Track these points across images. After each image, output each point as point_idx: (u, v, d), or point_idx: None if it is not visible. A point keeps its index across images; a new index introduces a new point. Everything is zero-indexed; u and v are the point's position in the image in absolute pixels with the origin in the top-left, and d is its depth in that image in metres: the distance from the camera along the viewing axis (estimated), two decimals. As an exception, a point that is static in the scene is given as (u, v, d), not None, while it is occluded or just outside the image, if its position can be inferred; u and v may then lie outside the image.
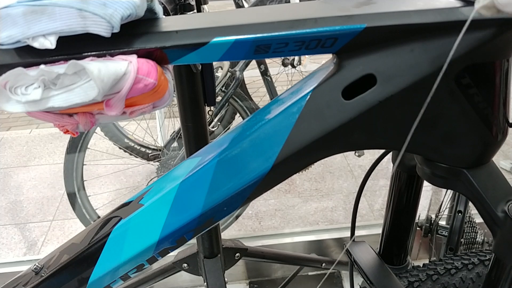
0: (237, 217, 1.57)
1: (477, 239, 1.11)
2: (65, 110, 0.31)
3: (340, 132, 0.34)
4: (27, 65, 0.30)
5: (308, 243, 1.32)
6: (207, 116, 1.38)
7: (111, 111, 0.31)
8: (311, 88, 0.34)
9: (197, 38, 0.32)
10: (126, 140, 1.73)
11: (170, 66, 0.36)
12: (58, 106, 0.30)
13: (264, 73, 1.59)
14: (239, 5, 1.50)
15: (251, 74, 1.69)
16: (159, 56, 0.32)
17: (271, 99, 1.64)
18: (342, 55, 0.33)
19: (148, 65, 0.31)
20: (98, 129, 1.69)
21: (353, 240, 0.67)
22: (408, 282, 0.62)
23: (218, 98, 1.42)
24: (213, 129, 1.55)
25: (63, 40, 0.30)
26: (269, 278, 1.35)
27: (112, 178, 1.94)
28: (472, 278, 0.62)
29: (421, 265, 0.66)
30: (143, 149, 1.74)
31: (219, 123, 1.64)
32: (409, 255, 0.71)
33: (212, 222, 0.37)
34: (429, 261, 0.67)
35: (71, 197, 1.46)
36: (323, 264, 1.04)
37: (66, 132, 0.35)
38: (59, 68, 0.29)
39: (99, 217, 1.46)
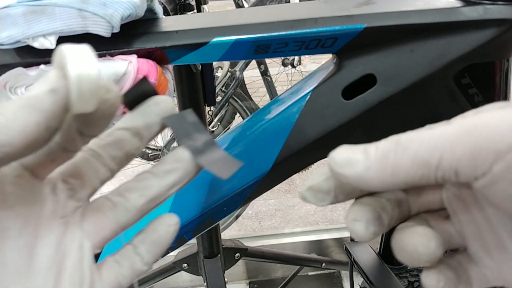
0: (237, 217, 1.57)
1: (477, 239, 1.10)
2: (65, 110, 0.31)
3: (340, 132, 0.34)
4: (27, 65, 0.30)
5: (308, 243, 1.32)
6: (207, 116, 1.38)
7: (111, 111, 0.31)
8: (311, 88, 0.34)
9: (197, 38, 0.32)
10: (126, 140, 1.72)
11: (170, 66, 0.36)
12: (58, 106, 0.30)
13: (264, 73, 1.59)
14: (239, 5, 1.50)
15: (251, 74, 1.69)
16: (159, 56, 0.32)
17: (271, 99, 1.64)
18: (342, 55, 0.33)
19: (148, 65, 0.31)
20: (98, 129, 1.68)
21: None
22: (408, 282, 0.62)
23: (218, 98, 1.42)
24: (213, 129, 1.55)
25: (63, 40, 0.30)
26: (269, 278, 1.35)
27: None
28: (472, 278, 0.62)
29: (421, 265, 0.65)
30: (143, 149, 1.73)
31: (219, 123, 1.64)
32: (409, 255, 0.71)
33: (212, 222, 0.37)
34: (429, 261, 0.67)
35: (71, 197, 1.46)
36: (323, 264, 1.04)
37: (66, 132, 0.35)
38: (59, 68, 0.29)
39: (99, 217, 1.45)
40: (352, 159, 0.20)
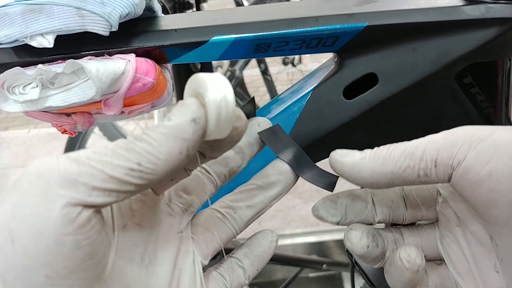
0: (237, 217, 1.56)
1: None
2: (63, 109, 0.31)
3: (341, 131, 0.34)
4: (25, 64, 0.30)
5: (308, 245, 1.32)
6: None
7: (109, 110, 0.31)
8: (312, 87, 0.34)
9: (196, 37, 0.31)
10: (125, 140, 1.72)
11: (169, 65, 0.35)
12: (56, 105, 0.30)
13: (264, 72, 1.59)
14: (238, 4, 1.49)
15: (251, 73, 1.69)
16: (158, 55, 0.32)
17: (271, 98, 1.64)
18: (343, 54, 0.33)
19: (146, 64, 0.30)
20: (96, 129, 1.68)
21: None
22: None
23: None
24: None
25: (61, 39, 0.29)
26: (269, 280, 1.34)
27: (112, 178, 1.93)
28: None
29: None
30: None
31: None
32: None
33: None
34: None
35: (71, 197, 1.46)
36: (324, 266, 1.03)
37: (64, 132, 0.34)
38: (57, 67, 0.29)
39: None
40: (351, 152, 0.23)
